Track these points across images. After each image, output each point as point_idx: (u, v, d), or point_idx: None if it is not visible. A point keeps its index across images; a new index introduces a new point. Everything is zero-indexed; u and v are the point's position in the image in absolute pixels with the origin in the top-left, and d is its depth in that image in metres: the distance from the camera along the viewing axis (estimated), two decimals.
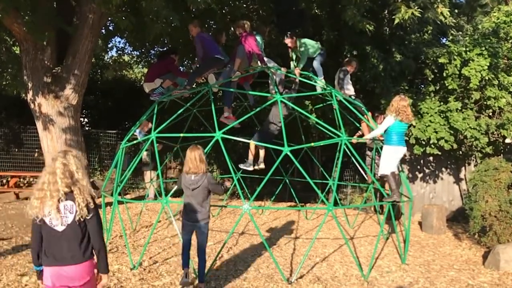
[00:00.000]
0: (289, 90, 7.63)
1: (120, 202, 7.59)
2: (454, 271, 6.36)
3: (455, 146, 9.57)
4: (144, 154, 8.44)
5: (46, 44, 7.92)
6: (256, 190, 5.95)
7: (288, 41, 7.94)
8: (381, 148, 6.77)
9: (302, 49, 7.82)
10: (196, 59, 13.31)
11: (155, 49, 13.73)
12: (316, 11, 10.98)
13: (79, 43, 8.00)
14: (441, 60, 9.78)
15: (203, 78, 8.33)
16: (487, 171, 7.60)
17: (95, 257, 3.06)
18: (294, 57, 8.26)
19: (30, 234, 3.04)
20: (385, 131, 6.45)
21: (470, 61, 9.34)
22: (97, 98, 15.69)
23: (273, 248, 7.02)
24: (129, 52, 15.40)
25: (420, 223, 9.15)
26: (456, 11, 12.22)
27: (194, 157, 4.67)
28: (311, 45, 8.00)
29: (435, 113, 9.59)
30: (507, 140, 9.64)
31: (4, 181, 11.53)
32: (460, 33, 11.73)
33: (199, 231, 4.86)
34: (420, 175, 10.79)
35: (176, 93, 7.39)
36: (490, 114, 9.90)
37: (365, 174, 8.77)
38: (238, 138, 7.04)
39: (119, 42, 15.60)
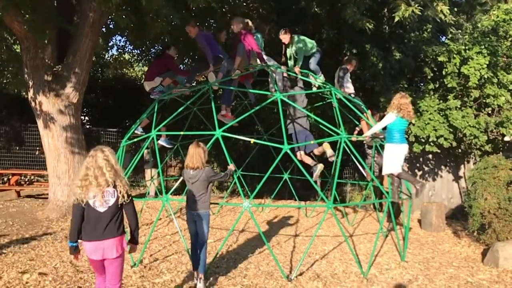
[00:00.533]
0: (296, 87, 7.70)
1: None
2: (453, 268, 6.39)
3: (454, 144, 9.60)
4: (144, 152, 8.47)
5: (47, 43, 7.93)
6: (256, 188, 5.97)
7: (283, 36, 7.89)
8: (381, 146, 6.79)
9: (300, 45, 7.81)
10: (196, 57, 13.39)
11: (156, 47, 13.76)
12: (316, 9, 11.00)
13: (80, 41, 8.02)
14: (440, 59, 9.81)
15: (203, 76, 8.35)
16: (486, 169, 7.62)
17: (123, 234, 3.69)
18: (288, 55, 8.21)
19: (71, 217, 3.66)
20: (386, 129, 6.45)
21: (470, 59, 9.37)
22: (97, 96, 15.71)
23: (273, 245, 7.04)
24: (129, 50, 15.43)
25: (419, 221, 9.18)
26: (456, 9, 12.23)
27: (193, 154, 4.97)
28: (308, 41, 8.00)
29: (435, 111, 9.62)
30: (506, 138, 9.67)
31: (5, 179, 11.55)
32: (460, 31, 11.75)
33: (198, 220, 5.01)
34: (419, 173, 10.83)
35: (176, 91, 7.41)
36: (489, 112, 9.93)
37: (365, 172, 8.80)
38: (238, 136, 7.07)
39: (120, 40, 15.60)
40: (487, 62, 9.17)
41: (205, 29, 10.33)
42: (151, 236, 6.94)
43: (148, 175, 10.85)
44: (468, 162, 10.48)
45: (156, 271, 5.63)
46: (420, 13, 7.24)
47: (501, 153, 9.51)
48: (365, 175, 9.23)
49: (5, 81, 10.42)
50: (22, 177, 11.90)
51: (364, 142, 8.87)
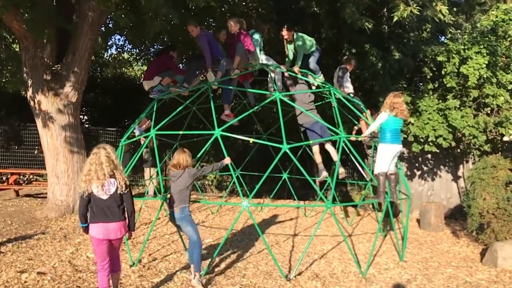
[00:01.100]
0: (299, 84, 7.71)
1: None
2: (452, 268, 6.40)
3: (453, 144, 9.61)
4: (144, 152, 8.47)
5: (46, 42, 7.93)
6: (255, 188, 5.97)
7: (285, 33, 7.87)
8: None
9: (300, 42, 7.79)
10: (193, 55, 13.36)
11: (155, 46, 13.74)
12: (315, 9, 10.99)
13: (79, 40, 8.01)
14: (439, 58, 9.81)
15: (202, 76, 8.34)
16: (485, 169, 7.63)
17: (124, 226, 4.25)
18: (289, 53, 8.18)
19: (78, 205, 4.35)
20: (380, 128, 6.43)
21: (469, 59, 9.38)
22: (96, 95, 15.70)
23: (272, 245, 7.05)
24: (128, 49, 15.40)
25: (418, 221, 9.19)
26: (455, 9, 12.22)
27: (175, 158, 5.27)
28: (307, 39, 7.98)
29: (434, 111, 9.63)
30: (505, 138, 9.68)
31: (4, 178, 11.55)
32: (459, 31, 11.75)
33: (180, 223, 5.16)
34: (418, 173, 10.83)
35: (173, 91, 7.41)
36: (489, 112, 9.93)
37: (363, 171, 8.80)
38: (237, 135, 7.07)
39: (119, 39, 15.57)
40: (486, 62, 9.17)
41: (205, 28, 10.31)
42: (150, 236, 6.93)
43: (147, 175, 10.85)
44: (467, 162, 10.48)
45: (155, 271, 5.63)
46: (419, 13, 7.24)
47: (500, 153, 9.52)
48: (364, 174, 9.24)
49: (4, 80, 10.40)
50: (21, 176, 11.89)
51: (363, 142, 8.88)
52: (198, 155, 6.57)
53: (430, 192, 10.77)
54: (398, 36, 11.36)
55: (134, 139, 7.72)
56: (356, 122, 8.54)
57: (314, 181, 7.37)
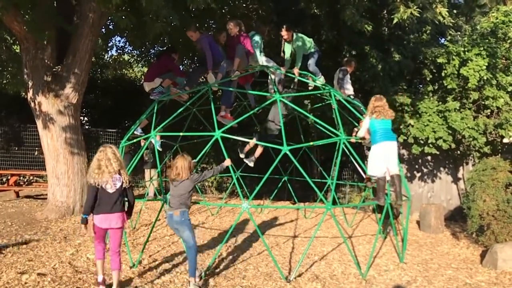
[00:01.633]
0: (288, 90, 7.66)
1: None
2: (452, 270, 6.40)
3: (453, 145, 9.61)
4: (144, 153, 8.48)
5: (46, 43, 7.94)
6: (255, 189, 5.98)
7: (284, 33, 7.86)
8: None
9: (299, 43, 7.78)
10: (196, 58, 13.39)
11: (155, 48, 13.76)
12: (315, 10, 11.01)
13: (79, 42, 8.02)
14: (439, 60, 9.82)
15: (203, 77, 8.36)
16: (485, 171, 7.63)
17: (123, 217, 4.75)
18: (287, 52, 8.16)
19: (87, 195, 4.77)
20: (371, 132, 6.44)
21: (469, 61, 9.38)
22: (97, 97, 15.71)
23: (272, 246, 7.05)
24: (129, 51, 15.43)
25: (418, 222, 9.19)
26: (455, 11, 12.26)
27: (176, 167, 5.22)
28: (306, 40, 7.98)
29: (434, 112, 9.63)
30: (505, 140, 9.68)
31: (4, 179, 11.54)
32: (459, 33, 11.78)
33: (179, 226, 5.14)
34: (418, 175, 10.83)
35: (174, 92, 7.42)
36: (488, 114, 9.94)
37: (363, 173, 8.81)
38: (237, 137, 7.07)
39: (119, 41, 15.62)
40: (486, 64, 9.18)
41: (205, 30, 10.34)
42: (150, 237, 6.93)
43: (147, 176, 10.86)
44: (467, 163, 10.48)
45: (155, 272, 5.64)
46: (418, 15, 7.26)
47: (500, 155, 9.53)
48: (364, 176, 9.24)
49: (4, 81, 10.41)
50: (21, 178, 11.89)
51: (363, 143, 8.88)
52: (198, 157, 6.58)
53: (430, 194, 10.77)
54: (398, 38, 11.38)
55: (135, 140, 7.73)
56: (356, 124, 8.54)
57: (315, 184, 7.37)
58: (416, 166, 10.85)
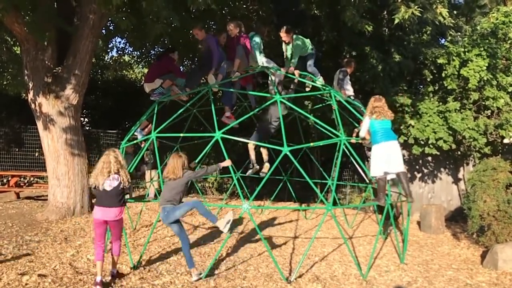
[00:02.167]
0: (287, 91, 7.67)
1: None
2: (452, 270, 6.40)
3: (453, 146, 9.61)
4: (145, 154, 8.48)
5: (47, 44, 7.94)
6: (255, 190, 5.98)
7: (283, 35, 7.84)
8: None
9: (299, 42, 7.77)
10: (196, 59, 13.40)
11: (155, 49, 13.77)
12: (316, 11, 11.02)
13: (80, 43, 8.02)
14: (440, 61, 9.82)
15: (203, 78, 8.37)
16: (485, 171, 7.63)
17: (120, 211, 5.20)
18: (289, 53, 8.15)
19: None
20: (371, 132, 6.43)
21: (469, 62, 9.39)
22: (97, 98, 15.71)
23: (273, 247, 7.04)
24: (129, 52, 15.44)
25: (418, 223, 9.18)
26: (455, 12, 12.26)
27: (170, 165, 5.48)
28: (306, 41, 7.97)
29: (434, 113, 9.64)
30: (505, 141, 9.68)
31: (5, 180, 11.54)
32: (459, 33, 11.78)
33: (162, 218, 5.39)
34: (418, 175, 10.83)
35: (175, 92, 7.43)
36: (489, 114, 9.94)
37: (364, 174, 8.80)
38: (237, 138, 7.08)
39: (120, 42, 15.66)
40: (487, 64, 9.19)
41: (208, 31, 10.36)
42: (151, 238, 6.94)
43: (148, 177, 10.85)
44: (468, 164, 10.49)
45: (156, 273, 5.64)
46: (420, 14, 7.25)
47: (500, 155, 9.53)
48: (364, 177, 9.24)
49: (5, 82, 10.42)
50: (22, 179, 11.87)
51: (364, 144, 8.88)
52: (199, 158, 6.58)
53: (431, 195, 10.77)
54: (398, 38, 11.38)
55: (134, 141, 7.73)
56: (357, 125, 8.55)
57: (316, 184, 7.38)
58: (417, 167, 10.85)
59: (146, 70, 15.20)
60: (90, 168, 7.66)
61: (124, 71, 18.32)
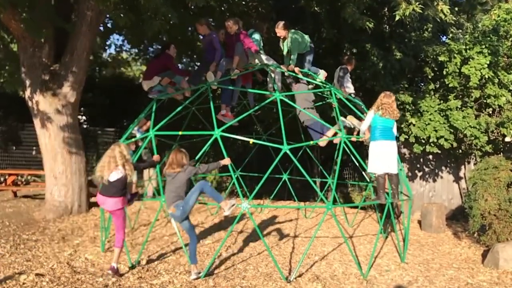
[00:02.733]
0: (299, 83, 7.65)
1: None
2: (453, 269, 6.36)
3: (454, 144, 9.57)
4: (143, 152, 8.44)
5: (44, 42, 7.88)
6: (255, 189, 5.92)
7: (278, 30, 7.69)
8: None
9: (297, 36, 7.66)
10: (195, 56, 13.34)
11: (154, 46, 13.71)
12: (316, 8, 10.93)
13: (77, 40, 7.96)
14: (441, 58, 9.77)
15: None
16: (486, 170, 7.59)
17: (124, 198, 5.44)
18: (285, 51, 8.06)
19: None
20: (371, 127, 6.36)
21: (470, 59, 9.34)
22: (95, 95, 15.64)
23: (272, 246, 7.00)
24: (127, 49, 15.39)
25: (419, 222, 9.14)
26: (456, 9, 12.19)
27: (171, 158, 5.52)
28: (305, 37, 7.86)
29: (435, 111, 9.59)
30: (507, 139, 9.64)
31: (2, 179, 11.49)
32: (460, 31, 11.72)
33: (178, 216, 5.38)
34: (419, 174, 10.79)
35: (171, 90, 7.39)
36: (490, 112, 9.90)
37: (364, 172, 8.75)
38: (237, 136, 7.02)
39: (118, 39, 15.62)
40: (488, 62, 9.13)
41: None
42: (149, 237, 6.89)
43: (146, 175, 10.80)
44: (469, 163, 10.45)
45: (154, 272, 5.59)
46: (421, 11, 7.18)
47: (501, 153, 9.48)
48: (365, 175, 9.19)
49: (2, 80, 10.36)
50: (19, 177, 11.83)
51: (364, 142, 8.83)
52: (198, 156, 6.52)
53: (432, 193, 10.73)
54: (399, 35, 11.32)
55: (133, 139, 7.67)
56: None
57: (316, 183, 7.33)
58: (418, 165, 10.81)
59: (144, 68, 15.13)
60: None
61: (122, 69, 18.27)
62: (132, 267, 5.70)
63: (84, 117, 15.84)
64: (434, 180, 10.71)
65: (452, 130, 9.41)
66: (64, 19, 7.99)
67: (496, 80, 9.44)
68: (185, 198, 5.37)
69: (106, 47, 14.84)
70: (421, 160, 10.76)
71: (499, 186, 7.24)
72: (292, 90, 7.84)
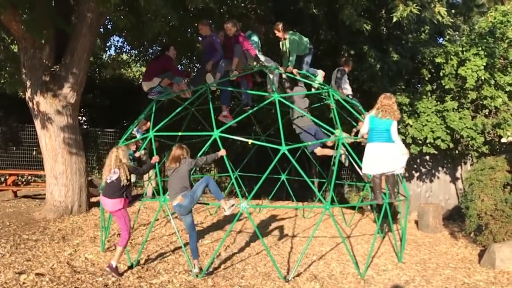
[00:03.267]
0: (297, 87, 7.71)
1: None
2: (450, 269, 6.41)
3: (451, 145, 9.63)
4: (142, 153, 8.49)
5: (45, 43, 7.91)
6: (253, 189, 5.98)
7: (276, 32, 7.75)
8: None
9: (295, 37, 7.73)
10: (194, 58, 13.38)
11: (154, 48, 13.75)
12: (314, 10, 11.00)
13: (78, 41, 7.99)
14: (438, 60, 9.83)
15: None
16: (483, 170, 7.65)
17: (123, 199, 5.55)
18: (285, 50, 8.11)
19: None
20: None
21: (467, 61, 9.40)
22: (95, 96, 15.67)
23: (271, 246, 7.05)
24: (127, 51, 15.41)
25: (416, 222, 9.20)
26: (453, 11, 12.26)
27: (172, 152, 5.73)
28: (304, 39, 7.91)
29: (432, 112, 9.65)
30: (503, 140, 9.70)
31: (2, 179, 11.51)
32: (457, 33, 11.79)
33: (185, 206, 5.47)
34: (416, 174, 10.85)
35: (177, 88, 7.44)
36: (487, 113, 9.96)
37: (362, 172, 8.81)
38: (236, 137, 7.07)
39: (118, 41, 15.61)
40: (484, 64, 9.20)
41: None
42: (148, 237, 6.93)
43: (145, 176, 10.83)
44: (465, 163, 10.51)
45: (154, 272, 5.63)
46: (418, 12, 7.24)
47: (498, 154, 9.54)
48: (362, 176, 9.25)
49: (2, 81, 10.38)
50: (19, 177, 11.86)
51: (362, 143, 8.90)
52: (197, 157, 6.57)
53: (428, 194, 10.79)
54: (397, 37, 11.38)
55: (132, 140, 7.71)
56: (355, 124, 8.55)
57: (314, 183, 7.39)
58: (415, 166, 10.87)
59: (144, 69, 15.15)
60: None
61: (122, 70, 18.28)
62: (132, 266, 5.74)
63: (84, 118, 15.86)
64: (431, 181, 10.77)
65: (448, 131, 9.47)
66: (65, 20, 8.02)
67: (493, 82, 9.51)
68: (192, 188, 5.55)
69: (106, 49, 14.85)
70: (418, 160, 10.82)
71: (495, 186, 7.30)
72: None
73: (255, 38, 7.70)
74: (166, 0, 7.02)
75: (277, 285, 5.40)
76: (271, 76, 7.77)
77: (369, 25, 8.28)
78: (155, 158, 6.24)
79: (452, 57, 9.58)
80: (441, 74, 9.93)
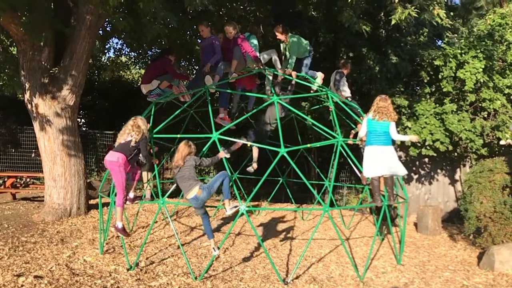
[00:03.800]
0: (285, 92, 7.67)
1: None
2: (449, 271, 6.41)
3: (450, 147, 9.64)
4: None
5: (43, 45, 7.91)
6: (252, 191, 5.98)
7: (277, 34, 7.76)
8: None
9: (294, 39, 7.74)
10: (193, 60, 13.38)
11: (153, 50, 13.76)
12: (313, 13, 11.03)
13: (77, 44, 8.00)
14: (436, 62, 9.85)
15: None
16: (482, 173, 7.65)
17: (125, 158, 5.90)
18: (286, 53, 8.12)
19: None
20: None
21: (465, 64, 9.42)
22: (94, 99, 15.68)
23: (270, 248, 7.04)
24: (126, 53, 15.41)
25: (415, 224, 9.20)
26: (452, 13, 12.29)
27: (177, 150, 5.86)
28: (304, 41, 7.92)
29: (431, 115, 9.67)
30: (502, 142, 9.72)
31: (1, 181, 11.50)
32: (456, 35, 11.81)
33: (203, 198, 5.62)
34: (415, 177, 10.86)
35: (178, 91, 7.46)
36: (485, 116, 9.98)
37: (361, 175, 8.81)
38: (234, 139, 7.07)
39: (117, 43, 15.64)
40: (483, 66, 9.22)
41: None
42: (147, 239, 6.92)
43: (144, 178, 10.82)
44: (464, 165, 10.52)
45: (152, 274, 5.62)
46: (416, 15, 7.27)
47: (496, 156, 9.55)
48: (361, 178, 9.25)
49: (1, 83, 10.37)
50: (18, 180, 11.84)
51: (360, 145, 8.90)
52: None
53: (428, 196, 10.79)
54: (395, 40, 11.40)
55: None
56: (354, 126, 8.56)
57: (313, 185, 7.39)
58: (414, 168, 10.87)
59: (143, 71, 15.17)
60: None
61: (121, 72, 18.28)
62: (131, 269, 5.73)
63: (83, 120, 15.86)
64: (430, 183, 10.78)
65: (447, 134, 9.48)
66: (64, 22, 8.02)
67: (491, 84, 9.54)
68: (210, 182, 5.75)
69: (105, 51, 14.85)
70: (417, 163, 10.83)
71: (494, 188, 7.31)
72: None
73: (254, 41, 7.71)
74: (165, 3, 7.02)
75: (276, 287, 5.40)
76: (270, 78, 7.78)
77: (368, 28, 8.31)
78: (155, 160, 6.28)
79: (450, 59, 9.61)
80: (439, 76, 9.96)
